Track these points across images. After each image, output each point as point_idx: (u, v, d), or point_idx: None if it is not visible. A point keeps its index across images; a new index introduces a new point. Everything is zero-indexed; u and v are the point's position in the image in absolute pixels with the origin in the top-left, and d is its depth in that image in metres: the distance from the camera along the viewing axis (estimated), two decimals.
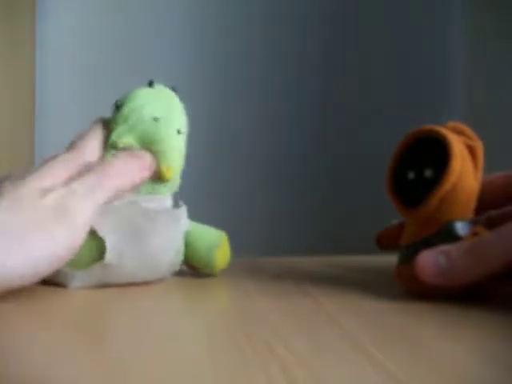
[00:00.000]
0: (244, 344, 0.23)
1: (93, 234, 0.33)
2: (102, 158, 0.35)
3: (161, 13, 0.76)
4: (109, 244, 0.33)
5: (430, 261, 0.29)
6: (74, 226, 0.31)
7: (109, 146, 0.36)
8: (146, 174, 0.35)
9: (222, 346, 0.24)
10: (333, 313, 0.29)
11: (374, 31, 0.80)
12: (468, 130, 0.33)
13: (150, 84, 0.38)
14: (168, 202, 0.37)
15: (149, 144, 0.36)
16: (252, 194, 0.77)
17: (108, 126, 0.37)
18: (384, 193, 0.34)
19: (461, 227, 0.31)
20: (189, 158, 0.38)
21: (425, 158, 0.32)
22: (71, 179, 0.32)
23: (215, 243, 0.38)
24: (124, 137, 0.36)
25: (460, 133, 0.33)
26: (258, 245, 0.66)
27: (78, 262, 0.33)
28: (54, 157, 0.34)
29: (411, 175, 0.33)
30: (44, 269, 0.30)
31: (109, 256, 0.33)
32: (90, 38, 0.74)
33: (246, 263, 0.43)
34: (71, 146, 0.36)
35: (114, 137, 0.36)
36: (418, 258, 0.30)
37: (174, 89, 0.38)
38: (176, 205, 0.38)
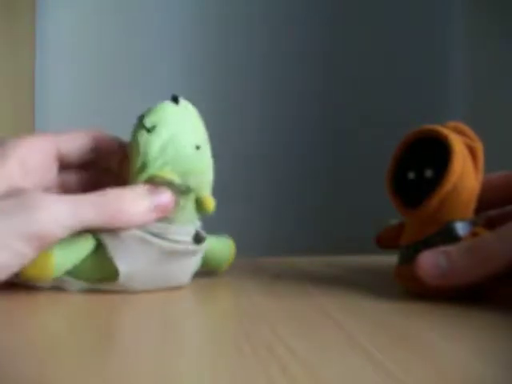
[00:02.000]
0: (244, 344, 0.23)
1: (104, 252, 0.32)
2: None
3: (161, 13, 0.76)
4: (122, 271, 0.32)
5: (430, 261, 0.29)
6: None
7: (140, 175, 0.33)
8: (155, 215, 0.32)
9: (222, 346, 0.24)
10: (333, 313, 0.29)
11: (374, 31, 0.80)
12: (468, 131, 0.33)
13: (175, 99, 0.34)
14: (192, 230, 0.34)
15: (189, 175, 0.33)
16: (252, 194, 0.77)
17: (127, 149, 0.34)
18: (384, 193, 0.34)
19: (461, 227, 0.31)
20: None
21: (425, 158, 0.32)
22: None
23: (226, 257, 0.39)
24: (162, 169, 0.32)
25: (460, 133, 0.33)
26: (258, 245, 0.66)
27: (86, 274, 0.33)
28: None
29: (411, 175, 0.33)
30: None
31: (121, 281, 0.33)
32: (90, 38, 0.74)
33: (246, 263, 0.43)
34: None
35: (150, 169, 0.32)
36: (419, 258, 0.30)
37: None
38: (197, 239, 0.35)
